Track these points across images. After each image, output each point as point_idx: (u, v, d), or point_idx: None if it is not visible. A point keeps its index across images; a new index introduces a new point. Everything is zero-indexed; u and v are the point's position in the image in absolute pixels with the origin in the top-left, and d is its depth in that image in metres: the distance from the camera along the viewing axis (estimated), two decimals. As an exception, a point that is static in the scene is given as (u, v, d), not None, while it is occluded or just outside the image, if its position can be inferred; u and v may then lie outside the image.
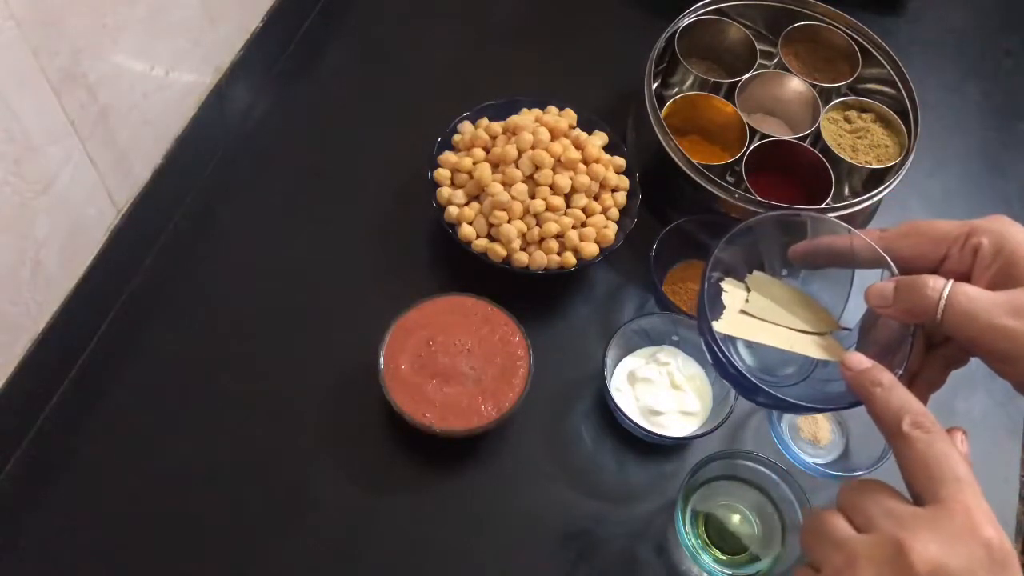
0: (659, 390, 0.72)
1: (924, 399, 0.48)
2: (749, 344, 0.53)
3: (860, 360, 0.45)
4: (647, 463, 0.73)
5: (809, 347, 0.50)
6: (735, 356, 0.51)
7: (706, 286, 0.48)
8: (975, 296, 0.43)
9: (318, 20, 0.94)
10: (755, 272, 0.52)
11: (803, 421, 0.75)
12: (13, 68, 0.56)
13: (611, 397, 0.70)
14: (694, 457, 0.70)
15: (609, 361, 0.72)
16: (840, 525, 0.40)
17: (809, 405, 0.49)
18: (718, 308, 0.51)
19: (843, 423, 0.75)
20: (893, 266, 0.47)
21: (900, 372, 0.44)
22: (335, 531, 0.67)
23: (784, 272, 0.52)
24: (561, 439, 0.73)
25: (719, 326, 0.50)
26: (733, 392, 0.69)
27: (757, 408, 0.75)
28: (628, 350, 0.74)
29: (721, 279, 0.51)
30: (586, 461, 0.72)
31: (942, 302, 0.43)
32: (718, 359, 0.49)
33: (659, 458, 0.73)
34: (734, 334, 0.51)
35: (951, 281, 0.44)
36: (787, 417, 0.74)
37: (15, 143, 0.58)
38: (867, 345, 0.49)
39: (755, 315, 0.51)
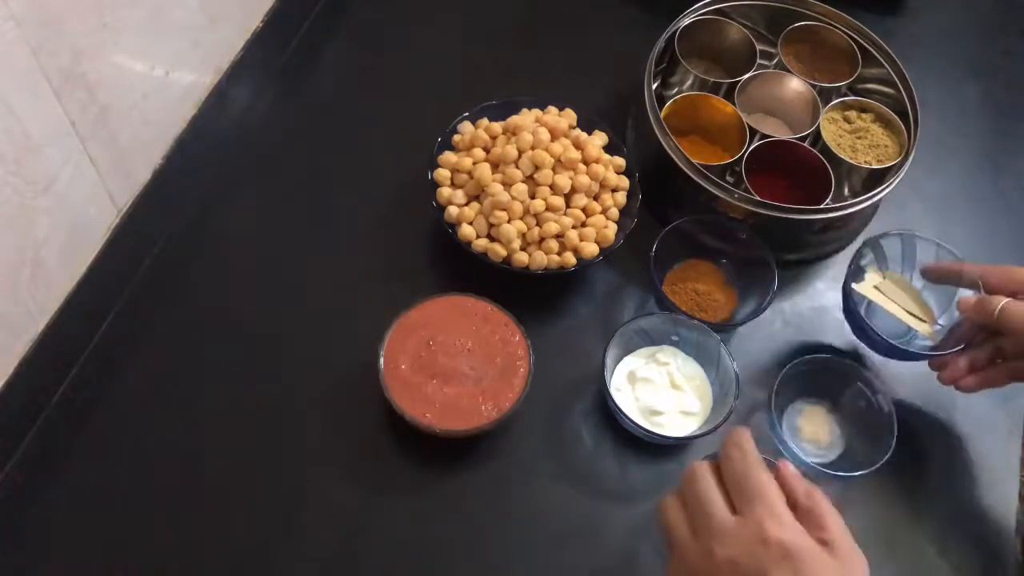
0: (659, 390, 0.72)
1: (983, 385, 0.71)
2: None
3: None
4: (647, 463, 0.73)
5: (910, 321, 0.75)
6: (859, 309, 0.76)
7: (855, 264, 0.76)
8: (1020, 306, 0.68)
9: (318, 20, 0.94)
10: (891, 270, 0.77)
11: (804, 422, 0.75)
12: (13, 68, 0.56)
13: (611, 397, 0.70)
14: (694, 457, 0.70)
15: (609, 361, 0.72)
16: (679, 525, 0.51)
17: (890, 342, 0.74)
18: (859, 278, 0.76)
19: (843, 424, 0.75)
20: (982, 288, 0.71)
21: (961, 347, 0.72)
22: (335, 531, 0.67)
23: (910, 276, 0.78)
24: (561, 439, 0.73)
25: (857, 287, 0.75)
26: (733, 392, 0.70)
27: (757, 408, 0.75)
28: (628, 350, 0.74)
29: (868, 265, 0.77)
30: (586, 461, 0.72)
31: (998, 309, 0.68)
32: (849, 307, 0.76)
33: (659, 458, 0.73)
34: (865, 295, 0.75)
35: (1007, 299, 0.68)
36: (787, 418, 0.75)
37: (15, 143, 0.58)
38: (949, 338, 0.74)
39: (883, 292, 0.76)
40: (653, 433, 0.70)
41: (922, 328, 0.75)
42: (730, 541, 0.48)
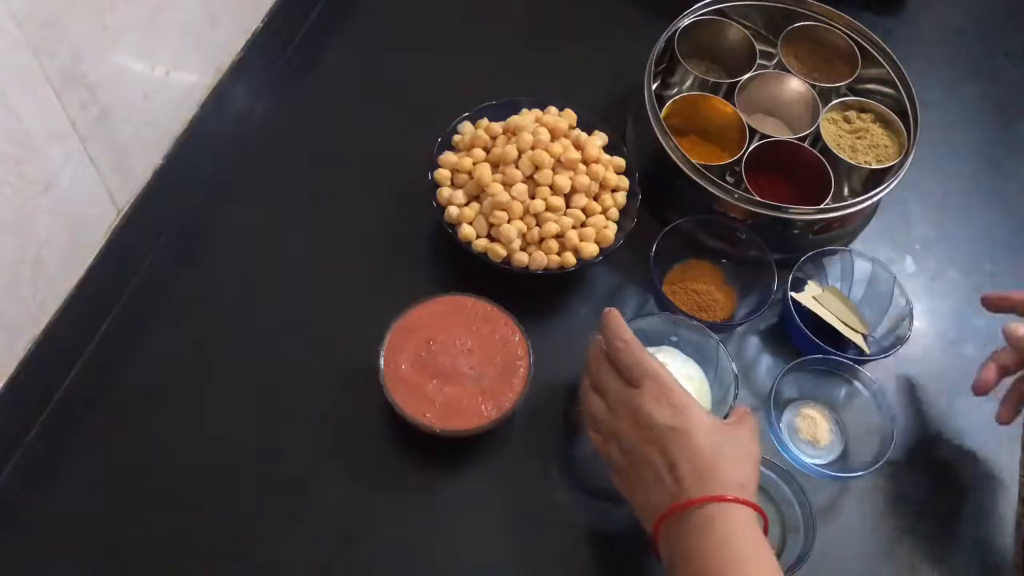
0: None
1: (1015, 415, 0.73)
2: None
3: None
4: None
5: (845, 331, 0.77)
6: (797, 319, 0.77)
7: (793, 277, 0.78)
8: None
9: (318, 21, 0.94)
10: (831, 284, 0.81)
11: (802, 422, 0.75)
12: (13, 68, 0.56)
13: None
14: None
15: None
16: (598, 405, 0.63)
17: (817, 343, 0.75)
18: (800, 288, 0.79)
19: (842, 424, 0.75)
20: None
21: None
22: (335, 531, 0.67)
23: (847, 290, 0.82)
24: (561, 439, 0.73)
25: (797, 296, 0.78)
26: (732, 392, 0.70)
27: (756, 408, 0.75)
28: None
29: (808, 277, 0.80)
30: (587, 461, 0.72)
31: None
32: (790, 316, 0.77)
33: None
34: (804, 304, 0.77)
35: None
36: (786, 418, 0.75)
37: (15, 143, 0.58)
38: (985, 367, 0.73)
39: (821, 303, 0.79)
40: None
41: (856, 339, 0.78)
42: (636, 401, 0.59)
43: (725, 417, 0.69)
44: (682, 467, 0.56)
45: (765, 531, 0.58)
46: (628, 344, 0.61)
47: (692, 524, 0.55)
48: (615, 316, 0.63)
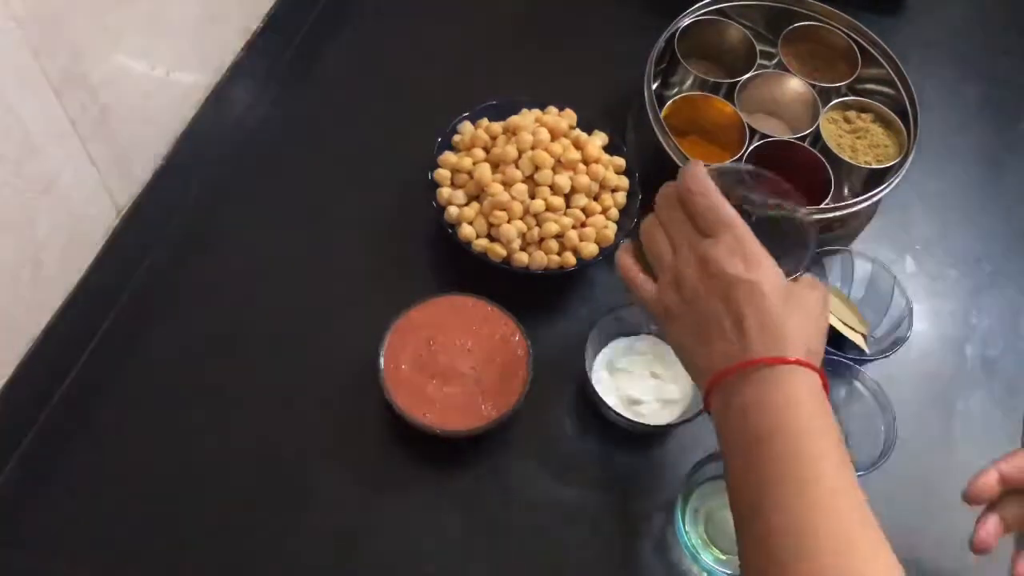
0: (638, 379, 0.73)
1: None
2: None
3: None
4: (650, 461, 0.73)
5: (845, 331, 0.77)
6: None
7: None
8: None
9: (318, 21, 0.94)
10: (832, 283, 0.79)
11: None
12: (13, 68, 0.56)
13: (592, 387, 0.71)
14: (686, 449, 0.70)
15: (589, 352, 0.72)
16: (662, 243, 0.57)
17: None
18: None
19: (842, 424, 0.75)
20: None
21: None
22: (335, 531, 0.67)
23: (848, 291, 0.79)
24: (562, 439, 0.73)
25: None
26: None
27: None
28: (607, 341, 0.75)
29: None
30: (589, 460, 0.72)
31: None
32: None
33: (661, 452, 0.73)
34: None
35: None
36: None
37: (15, 143, 0.58)
38: None
39: None
40: (633, 422, 0.70)
41: (856, 339, 0.77)
42: (708, 250, 0.54)
43: None
44: (749, 322, 0.52)
45: None
46: (707, 192, 0.55)
47: (755, 381, 0.51)
48: (698, 165, 0.57)
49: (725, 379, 0.52)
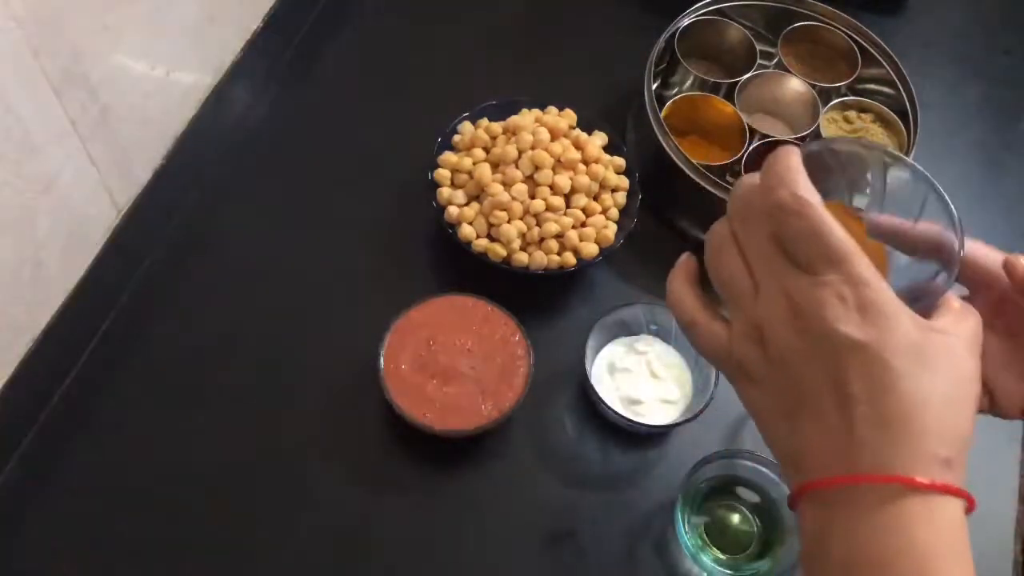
0: (638, 379, 0.73)
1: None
2: None
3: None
4: (650, 461, 0.73)
5: None
6: None
7: None
8: None
9: (318, 21, 0.94)
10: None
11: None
12: (13, 68, 0.56)
13: (592, 387, 0.71)
14: (686, 449, 0.70)
15: (589, 352, 0.72)
16: (738, 272, 0.39)
17: None
18: None
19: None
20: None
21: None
22: (335, 531, 0.67)
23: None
24: (562, 438, 0.73)
25: None
26: (713, 379, 0.70)
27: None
28: (607, 340, 0.75)
29: None
30: (589, 460, 0.72)
31: None
32: None
33: (661, 452, 0.73)
34: None
35: None
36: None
37: (15, 143, 0.58)
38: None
39: None
40: (633, 422, 0.70)
41: None
42: (808, 295, 0.37)
43: (706, 405, 0.68)
44: (862, 410, 0.36)
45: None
46: (805, 206, 0.37)
47: (864, 507, 0.36)
48: (790, 155, 0.39)
49: (820, 489, 0.37)
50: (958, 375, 0.37)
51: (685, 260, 0.43)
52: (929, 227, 0.42)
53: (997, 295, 0.45)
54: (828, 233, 0.36)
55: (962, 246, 0.40)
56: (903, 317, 0.36)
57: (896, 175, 0.42)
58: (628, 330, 0.75)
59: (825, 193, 0.38)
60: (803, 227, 0.37)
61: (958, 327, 0.38)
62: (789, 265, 0.38)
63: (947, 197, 0.41)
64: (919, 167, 0.42)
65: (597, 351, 0.74)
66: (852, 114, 0.86)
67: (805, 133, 0.84)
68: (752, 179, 0.39)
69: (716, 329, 0.40)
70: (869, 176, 0.42)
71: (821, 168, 0.39)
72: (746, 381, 0.40)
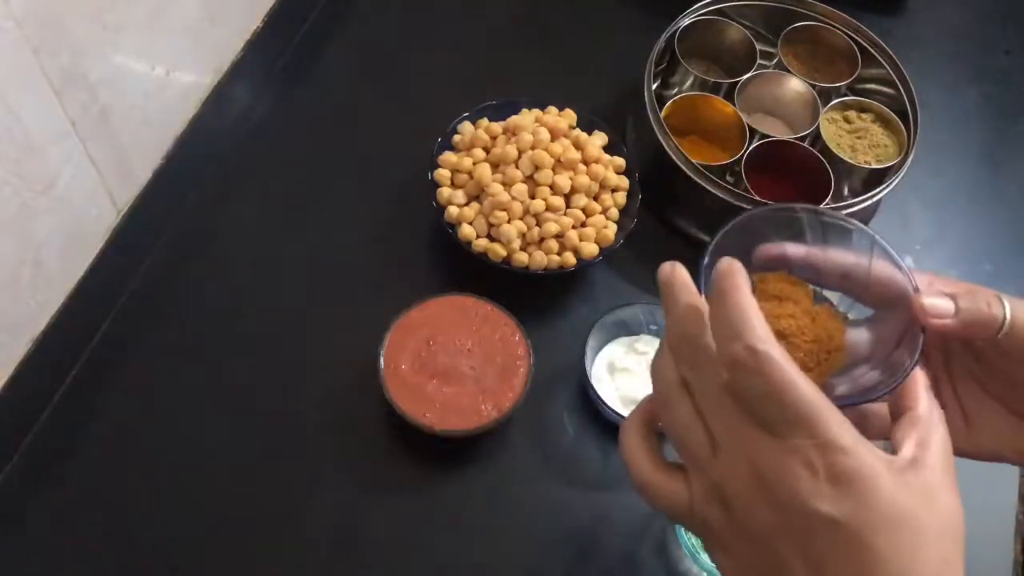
0: (638, 379, 0.73)
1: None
2: None
3: None
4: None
5: None
6: None
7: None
8: None
9: (318, 21, 0.94)
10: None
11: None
12: (13, 68, 0.56)
13: (592, 387, 0.70)
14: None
15: (589, 352, 0.72)
16: (692, 431, 0.35)
17: None
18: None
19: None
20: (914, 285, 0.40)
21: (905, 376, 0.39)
22: (335, 531, 0.67)
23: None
24: (562, 439, 0.73)
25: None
26: None
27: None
28: (607, 341, 0.75)
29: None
30: (588, 460, 0.72)
31: (1007, 313, 0.39)
32: None
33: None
34: None
35: (1002, 295, 0.40)
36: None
37: (15, 143, 0.58)
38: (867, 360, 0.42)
39: None
40: None
41: None
42: (772, 463, 0.33)
43: None
44: None
45: None
46: (763, 363, 0.33)
47: None
48: (737, 290, 0.34)
49: None
50: (941, 524, 0.35)
51: (641, 407, 0.39)
52: (881, 269, 0.40)
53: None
54: (791, 392, 0.33)
55: (916, 288, 0.39)
56: (880, 481, 0.33)
57: (836, 233, 0.41)
58: (628, 330, 0.75)
59: (764, 265, 0.36)
60: (763, 387, 0.33)
61: (929, 452, 0.35)
62: (750, 423, 0.34)
63: (889, 247, 0.40)
64: (855, 221, 0.41)
65: (597, 351, 0.74)
66: (852, 114, 0.86)
67: (805, 133, 0.84)
68: (693, 310, 0.35)
69: (675, 488, 0.37)
70: (808, 237, 0.41)
71: (758, 236, 0.38)
72: (713, 540, 0.37)
